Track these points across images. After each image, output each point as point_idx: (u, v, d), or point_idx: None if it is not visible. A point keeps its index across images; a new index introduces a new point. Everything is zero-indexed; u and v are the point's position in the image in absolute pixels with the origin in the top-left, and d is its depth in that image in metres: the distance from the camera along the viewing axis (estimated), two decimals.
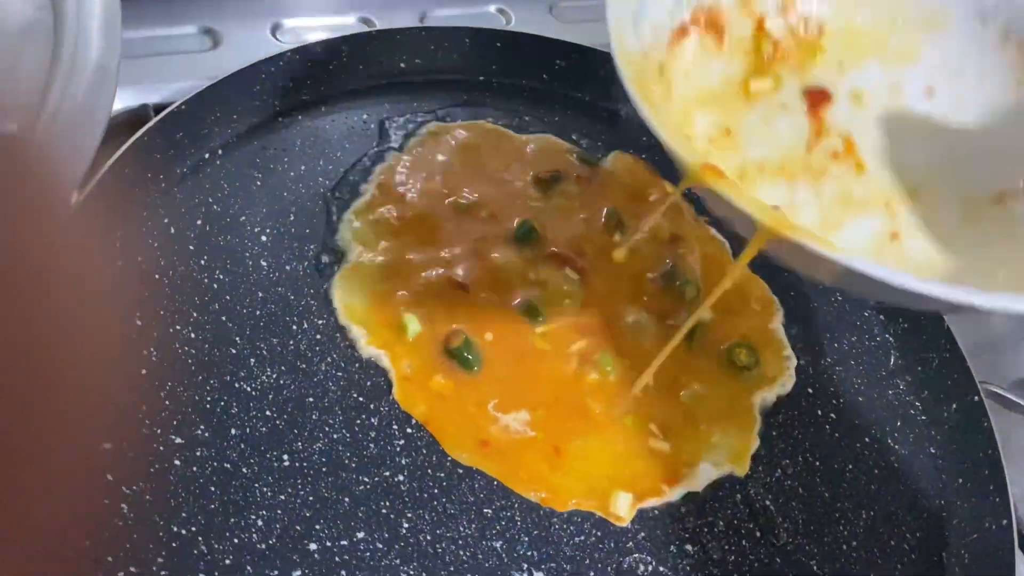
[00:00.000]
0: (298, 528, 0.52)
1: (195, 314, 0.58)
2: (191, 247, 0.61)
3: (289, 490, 0.53)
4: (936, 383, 0.70)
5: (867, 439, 0.66)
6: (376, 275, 0.63)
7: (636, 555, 0.56)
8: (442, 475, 0.56)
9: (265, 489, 0.52)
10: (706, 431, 0.62)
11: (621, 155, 0.79)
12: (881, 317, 0.74)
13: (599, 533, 0.56)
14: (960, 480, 0.65)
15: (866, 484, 0.64)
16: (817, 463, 0.64)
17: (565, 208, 0.72)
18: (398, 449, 0.56)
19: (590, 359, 0.63)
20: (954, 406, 0.68)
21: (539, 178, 0.73)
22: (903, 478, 0.65)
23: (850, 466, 0.64)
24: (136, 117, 0.71)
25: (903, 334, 0.73)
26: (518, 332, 0.63)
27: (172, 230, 0.62)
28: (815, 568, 0.58)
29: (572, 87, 0.82)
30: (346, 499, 0.53)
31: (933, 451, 0.67)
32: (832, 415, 0.67)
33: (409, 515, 0.54)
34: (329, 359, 0.59)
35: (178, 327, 0.57)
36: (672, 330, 0.66)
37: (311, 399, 0.57)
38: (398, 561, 0.52)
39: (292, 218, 0.65)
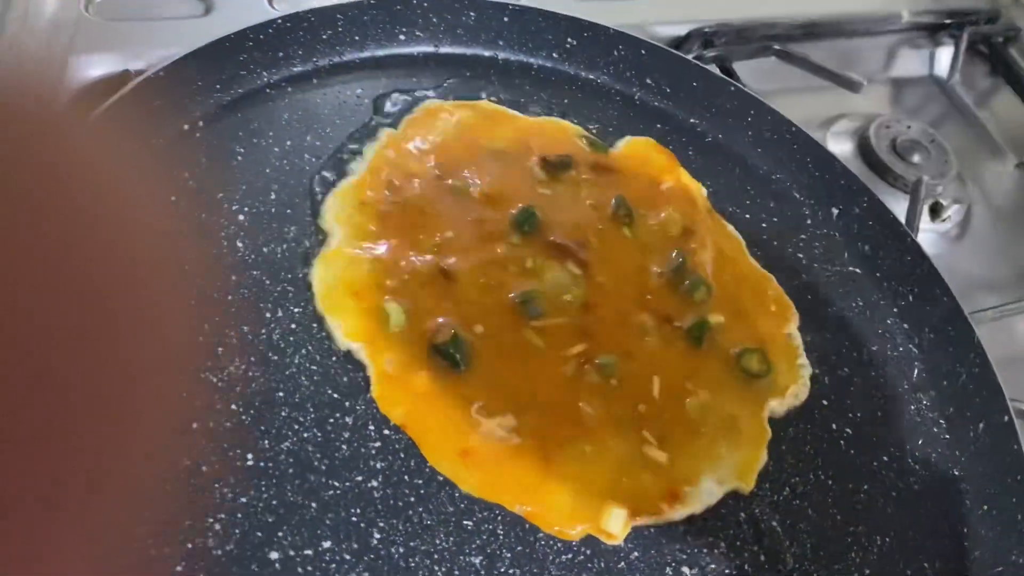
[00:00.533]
0: (259, 534, 0.47)
1: None
2: (164, 225, 0.57)
3: (252, 492, 0.48)
4: (963, 399, 0.64)
5: (885, 458, 0.61)
6: (359, 261, 0.58)
7: None
8: (419, 482, 0.51)
9: (226, 490, 0.48)
10: (711, 443, 0.57)
11: (634, 141, 0.74)
12: (905, 325, 0.69)
13: (588, 551, 0.52)
14: (985, 507, 0.60)
15: (882, 507, 0.59)
16: (830, 482, 0.59)
17: (571, 196, 0.67)
18: (373, 452, 0.52)
19: (591, 361, 0.58)
20: (981, 426, 0.63)
21: (546, 161, 0.68)
22: (923, 502, 0.60)
23: (865, 486, 0.59)
24: (117, 83, 0.67)
25: (929, 345, 0.68)
26: (512, 328, 0.58)
27: (150, 207, 0.57)
28: None
29: (584, 68, 0.77)
30: (313, 504, 0.49)
31: (957, 473, 0.62)
32: (848, 430, 0.62)
33: (381, 524, 0.49)
34: (303, 351, 0.54)
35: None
36: (678, 332, 0.61)
37: (281, 393, 0.52)
38: (367, 575, 0.48)
39: (273, 197, 0.61)
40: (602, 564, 0.51)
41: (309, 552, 0.47)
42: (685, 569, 0.53)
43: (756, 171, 0.75)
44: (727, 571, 0.53)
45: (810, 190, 0.75)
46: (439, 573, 0.49)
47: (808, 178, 0.75)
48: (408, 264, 0.59)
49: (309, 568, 0.47)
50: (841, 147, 0.93)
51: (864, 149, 0.93)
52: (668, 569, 0.52)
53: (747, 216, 0.72)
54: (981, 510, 0.60)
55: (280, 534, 0.47)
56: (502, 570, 0.49)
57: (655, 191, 0.69)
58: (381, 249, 0.59)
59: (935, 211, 0.91)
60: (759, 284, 0.67)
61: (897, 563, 0.56)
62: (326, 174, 0.63)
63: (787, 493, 0.57)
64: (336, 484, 0.50)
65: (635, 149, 0.73)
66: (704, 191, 0.72)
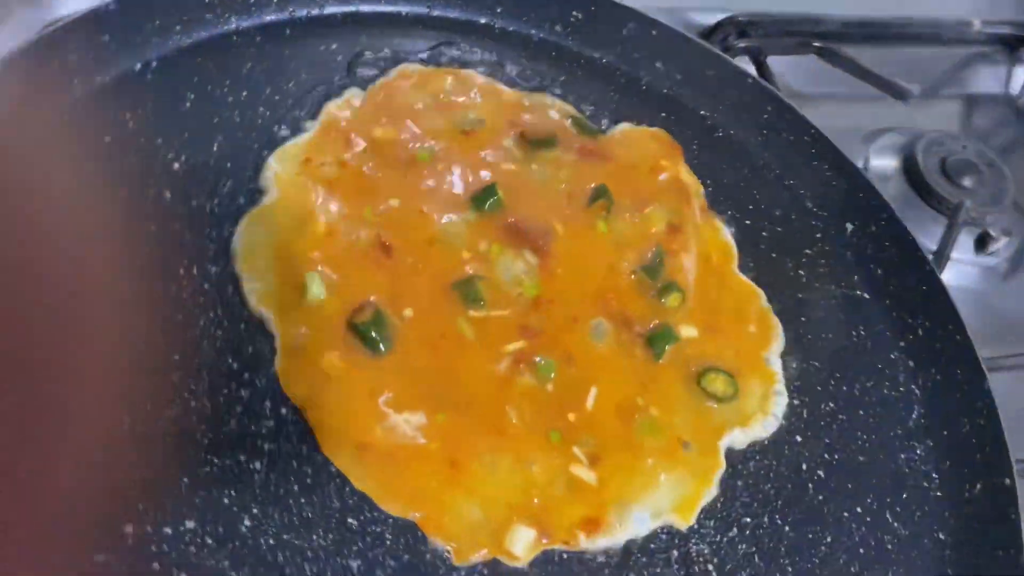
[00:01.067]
0: (116, 504, 0.43)
1: None
2: (87, 166, 0.53)
3: (116, 456, 0.44)
4: (963, 454, 0.56)
5: (859, 509, 0.53)
6: (291, 224, 0.54)
7: None
8: (308, 471, 0.47)
9: (89, 449, 0.44)
10: (651, 468, 0.51)
11: (632, 129, 0.67)
12: (911, 363, 0.61)
13: (485, 572, 0.46)
14: None
15: (844, 565, 0.51)
16: (787, 528, 0.52)
17: (546, 179, 0.61)
18: (263, 432, 0.47)
19: (528, 361, 0.52)
20: (979, 486, 0.55)
21: (525, 137, 0.62)
22: (896, 566, 0.52)
23: (829, 538, 0.52)
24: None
25: (933, 388, 0.59)
26: (445, 315, 0.53)
27: (73, 146, 0.54)
28: None
29: (588, 45, 0.71)
30: (185, 479, 0.45)
31: (942, 537, 0.54)
32: (820, 473, 0.54)
33: (255, 511, 0.45)
34: (212, 313, 0.50)
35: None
36: (637, 340, 0.55)
37: (177, 356, 0.48)
38: (227, 563, 0.43)
39: (215, 149, 0.57)
40: None
41: (168, 530, 0.43)
42: None
43: (765, 174, 0.68)
44: None
45: (824, 201, 0.67)
46: (308, 572, 0.44)
47: (823, 187, 0.67)
48: (345, 234, 0.54)
49: (164, 548, 0.43)
50: (883, 162, 0.84)
51: (909, 166, 0.84)
52: None
53: (747, 222, 0.65)
54: None
55: (141, 507, 0.43)
56: None
57: (645, 183, 0.63)
58: (317, 215, 0.54)
59: (982, 242, 0.81)
60: (743, 299, 0.60)
61: None
62: (277, 131, 0.58)
63: (733, 535, 0.51)
64: (215, 461, 0.46)
65: (631, 137, 0.66)
66: (702, 190, 0.65)
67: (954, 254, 0.82)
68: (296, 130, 0.59)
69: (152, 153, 0.55)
